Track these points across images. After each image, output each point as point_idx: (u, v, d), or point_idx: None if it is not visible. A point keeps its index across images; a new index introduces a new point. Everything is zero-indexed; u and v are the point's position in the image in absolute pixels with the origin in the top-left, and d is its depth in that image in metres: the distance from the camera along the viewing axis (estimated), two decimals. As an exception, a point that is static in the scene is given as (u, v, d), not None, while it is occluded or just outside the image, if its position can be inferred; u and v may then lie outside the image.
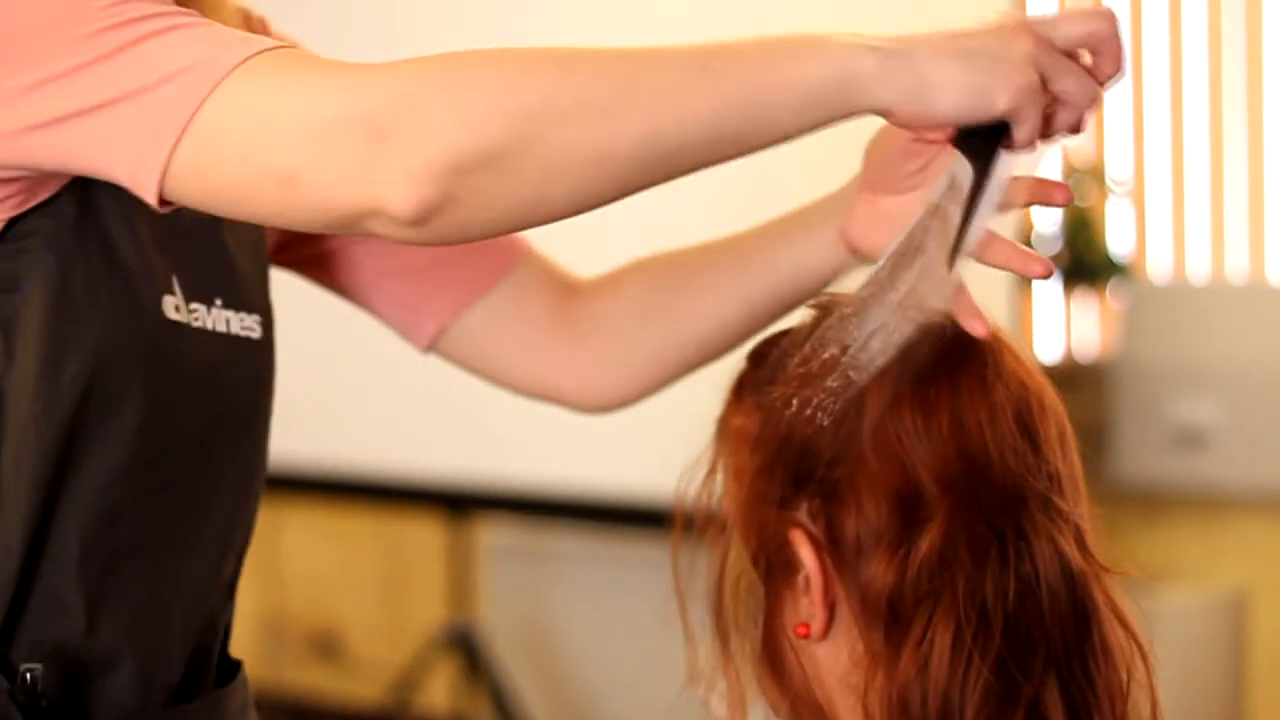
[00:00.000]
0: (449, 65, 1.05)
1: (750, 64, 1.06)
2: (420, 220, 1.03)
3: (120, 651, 1.24)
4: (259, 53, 1.08)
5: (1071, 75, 1.09)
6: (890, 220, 1.26)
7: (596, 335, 1.45)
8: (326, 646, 4.37)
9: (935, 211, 1.14)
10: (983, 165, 1.10)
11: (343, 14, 3.60)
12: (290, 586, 4.26)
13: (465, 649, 3.83)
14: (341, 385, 3.73)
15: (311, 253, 1.45)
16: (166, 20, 1.09)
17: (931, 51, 1.07)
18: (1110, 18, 1.11)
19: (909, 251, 1.14)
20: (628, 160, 1.04)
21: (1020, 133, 1.09)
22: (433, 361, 1.50)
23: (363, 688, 4.20)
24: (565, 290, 1.46)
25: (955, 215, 1.13)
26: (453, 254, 1.44)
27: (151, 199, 1.09)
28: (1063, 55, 1.09)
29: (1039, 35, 1.08)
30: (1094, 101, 1.10)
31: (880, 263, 1.15)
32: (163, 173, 1.08)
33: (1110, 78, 1.11)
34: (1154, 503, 3.82)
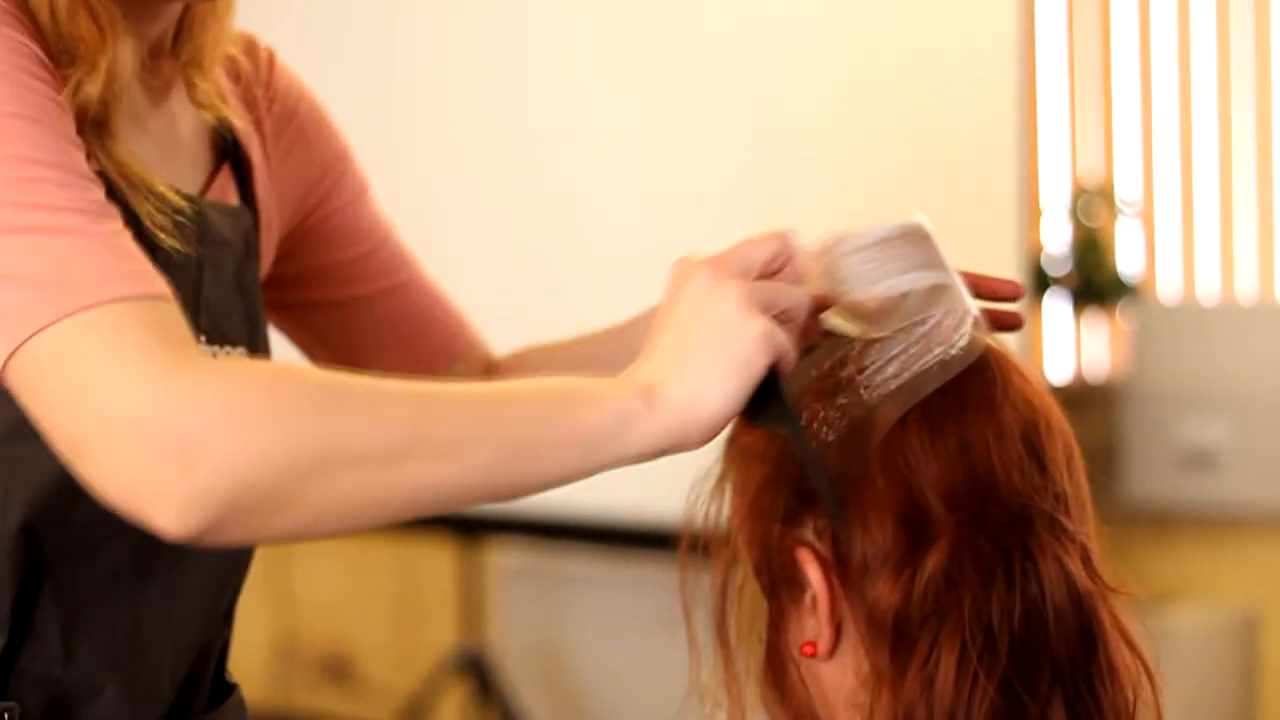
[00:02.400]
0: (247, 395, 1.04)
1: (531, 416, 1.06)
2: (185, 540, 1.04)
3: (101, 680, 1.25)
4: (114, 300, 1.06)
5: (782, 294, 1.10)
6: None
7: None
8: (338, 670, 4.37)
9: None
10: (780, 415, 1.10)
11: (343, 15, 3.61)
12: (302, 610, 4.25)
13: (476, 672, 3.83)
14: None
15: (294, 300, 1.46)
16: (67, 219, 1.09)
17: (675, 369, 1.07)
18: (785, 237, 1.12)
19: (937, 287, 1.14)
20: (400, 505, 1.06)
21: (786, 364, 1.09)
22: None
23: (374, 711, 4.20)
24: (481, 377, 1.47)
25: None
26: (417, 340, 1.47)
27: None
28: (764, 281, 1.10)
29: (736, 274, 1.09)
30: (809, 308, 1.12)
31: (911, 303, 1.16)
32: (2, 369, 1.08)
33: None
34: (1163, 523, 3.81)
